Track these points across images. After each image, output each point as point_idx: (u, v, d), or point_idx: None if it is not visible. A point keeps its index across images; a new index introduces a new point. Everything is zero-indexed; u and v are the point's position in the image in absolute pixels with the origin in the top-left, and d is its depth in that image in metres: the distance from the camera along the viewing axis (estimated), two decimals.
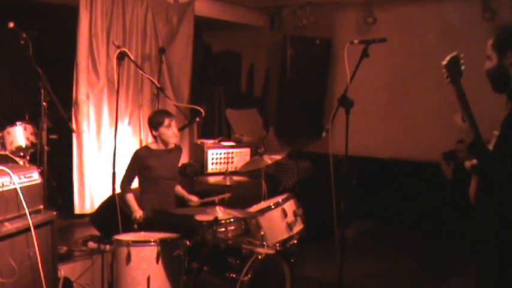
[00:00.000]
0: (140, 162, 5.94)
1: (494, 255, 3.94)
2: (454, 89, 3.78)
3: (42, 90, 6.20)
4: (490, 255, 3.97)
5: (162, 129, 6.01)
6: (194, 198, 6.11)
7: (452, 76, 3.82)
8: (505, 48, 3.73)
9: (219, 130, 10.00)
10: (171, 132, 6.04)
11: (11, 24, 5.76)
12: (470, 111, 3.80)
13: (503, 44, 3.75)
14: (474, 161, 3.80)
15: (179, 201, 6.26)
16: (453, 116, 3.92)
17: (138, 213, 5.69)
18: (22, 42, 5.86)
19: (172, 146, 6.18)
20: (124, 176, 6.01)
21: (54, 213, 4.88)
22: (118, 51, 6.01)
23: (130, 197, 5.88)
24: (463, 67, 3.85)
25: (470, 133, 3.76)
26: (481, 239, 3.99)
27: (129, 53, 6.08)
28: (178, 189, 6.28)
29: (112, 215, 5.74)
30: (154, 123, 6.06)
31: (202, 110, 6.57)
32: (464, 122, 3.80)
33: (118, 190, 5.94)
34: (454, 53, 3.83)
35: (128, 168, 6.02)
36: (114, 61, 6.10)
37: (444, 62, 3.85)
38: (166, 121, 6.02)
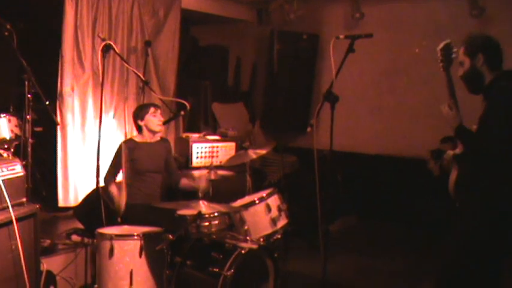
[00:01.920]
0: (124, 155, 5.90)
1: (472, 238, 4.11)
2: (445, 75, 4.03)
3: (27, 82, 6.16)
4: (468, 237, 4.15)
5: (148, 117, 6.02)
6: (202, 175, 5.95)
7: (445, 62, 4.21)
8: (475, 51, 4.10)
9: (205, 124, 9.97)
10: (157, 120, 6.05)
11: None
12: (455, 98, 4.17)
13: (473, 48, 4.11)
14: (457, 151, 4.01)
15: (166, 195, 6.25)
16: (440, 106, 4.20)
17: (120, 204, 5.63)
18: (6, 33, 5.81)
19: (158, 138, 6.16)
20: (108, 169, 5.98)
21: (37, 206, 4.85)
22: (103, 43, 5.97)
23: (113, 189, 5.86)
24: (453, 55, 4.20)
25: (457, 119, 4.10)
26: (458, 223, 4.22)
27: (114, 45, 6.02)
28: (184, 182, 6.26)
29: (96, 208, 5.71)
30: (140, 114, 6.07)
31: (187, 104, 6.55)
32: (451, 110, 4.12)
33: (102, 183, 5.91)
34: (448, 40, 4.23)
35: (112, 161, 6.00)
36: (99, 54, 6.06)
37: (439, 47, 4.22)
38: (152, 109, 6.07)
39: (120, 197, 5.64)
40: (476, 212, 4.09)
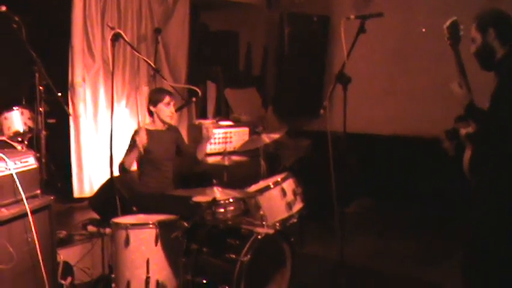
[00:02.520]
0: (137, 142, 5.87)
1: (486, 220, 4.11)
2: (453, 53, 4.01)
3: (37, 75, 6.16)
4: (482, 219, 4.13)
5: (161, 105, 5.98)
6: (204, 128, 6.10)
7: (452, 39, 4.19)
8: (486, 26, 4.09)
9: (218, 110, 9.95)
10: (169, 110, 6.01)
11: (3, 8, 5.70)
12: (466, 76, 4.16)
13: (484, 23, 4.10)
14: (469, 129, 3.99)
15: (179, 182, 6.24)
16: (450, 84, 4.19)
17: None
18: (15, 26, 5.81)
19: (166, 126, 6.13)
20: (123, 157, 5.94)
21: (52, 197, 4.85)
22: (112, 32, 5.94)
23: (130, 177, 5.87)
24: (461, 32, 4.18)
25: (467, 97, 4.08)
26: (474, 204, 4.19)
27: (123, 34, 6.00)
28: (198, 149, 6.26)
29: (111, 198, 5.70)
30: (154, 99, 6.02)
31: (198, 90, 6.52)
32: (461, 88, 4.11)
33: (116, 173, 5.90)
34: (454, 18, 4.22)
35: (127, 149, 5.96)
36: (109, 43, 6.04)
37: (446, 25, 4.22)
38: (167, 98, 6.00)
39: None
40: (486, 193, 4.08)
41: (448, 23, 4.23)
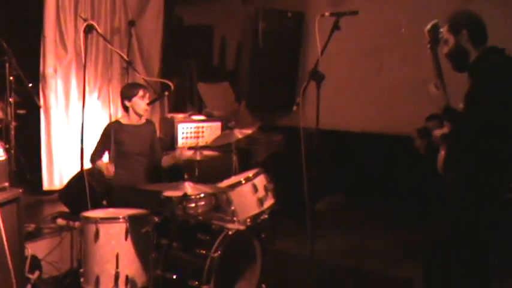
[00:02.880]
0: (111, 136, 5.85)
1: (463, 213, 4.15)
2: (432, 55, 4.04)
3: (8, 65, 6.08)
4: (460, 215, 4.17)
5: (136, 99, 5.94)
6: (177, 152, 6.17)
7: (432, 42, 4.24)
8: (459, 28, 4.12)
9: (191, 104, 9.90)
10: (144, 103, 5.98)
11: None
12: (443, 78, 4.19)
13: (457, 25, 4.13)
14: (444, 130, 4.02)
15: (151, 177, 6.20)
16: (427, 85, 4.21)
17: (110, 171, 5.67)
18: None
19: (144, 120, 6.11)
20: (94, 149, 5.92)
21: (20, 190, 4.79)
22: (85, 24, 5.88)
23: (100, 162, 5.85)
24: (440, 35, 4.22)
25: (444, 99, 4.11)
26: (450, 201, 4.24)
27: (96, 26, 5.94)
28: (165, 159, 6.24)
29: (81, 191, 5.65)
30: (128, 94, 5.98)
31: (171, 84, 6.47)
32: (438, 90, 4.14)
33: (87, 165, 5.85)
34: (435, 21, 4.26)
35: (98, 141, 5.94)
36: (82, 34, 5.97)
37: (427, 28, 4.25)
38: (141, 92, 5.97)
39: (108, 166, 5.70)
40: (464, 190, 4.13)
41: (429, 26, 4.26)
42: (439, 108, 4.11)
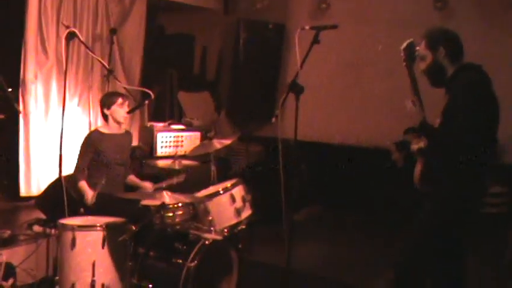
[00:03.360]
0: (93, 147, 5.83)
1: (439, 226, 4.21)
2: (408, 73, 4.08)
3: None
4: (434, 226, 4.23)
5: (115, 107, 5.92)
6: (148, 185, 6.02)
7: (408, 60, 4.27)
8: (437, 45, 4.17)
9: (171, 113, 9.91)
10: (123, 111, 5.97)
11: None
12: (419, 95, 4.22)
13: (435, 41, 4.19)
14: (421, 144, 4.06)
15: (130, 189, 6.19)
16: (404, 101, 4.24)
17: (89, 198, 5.59)
18: None
19: (123, 130, 6.10)
20: (77, 163, 5.87)
21: None
22: (67, 31, 5.88)
23: (83, 184, 5.77)
24: (416, 53, 4.26)
25: (420, 115, 4.13)
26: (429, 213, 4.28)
27: (78, 33, 5.94)
28: (132, 178, 6.19)
29: (58, 198, 5.63)
30: (107, 102, 5.96)
31: (151, 93, 6.48)
32: (415, 106, 4.17)
33: (65, 172, 5.82)
34: (411, 39, 4.29)
35: (80, 154, 5.88)
36: (63, 41, 5.97)
37: (403, 46, 4.29)
38: (120, 100, 5.95)
39: (90, 192, 5.61)
40: (440, 204, 4.18)
41: (404, 44, 4.31)
42: (416, 124, 4.16)
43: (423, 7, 8.46)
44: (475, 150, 3.97)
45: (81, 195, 5.70)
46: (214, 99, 10.45)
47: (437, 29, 4.34)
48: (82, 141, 5.91)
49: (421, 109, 4.16)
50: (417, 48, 4.27)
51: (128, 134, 6.21)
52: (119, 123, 5.99)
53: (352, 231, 8.17)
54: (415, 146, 4.29)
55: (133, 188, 6.11)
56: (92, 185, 5.76)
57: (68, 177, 5.98)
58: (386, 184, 8.19)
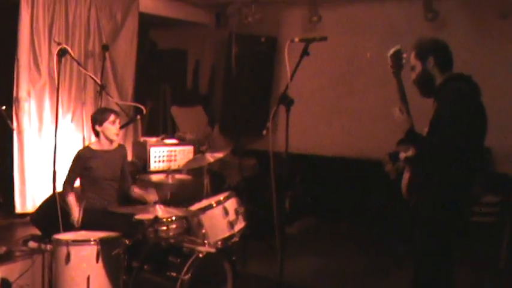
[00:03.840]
0: (82, 163, 5.85)
1: (427, 235, 4.25)
2: (395, 80, 4.11)
3: None
4: (423, 235, 4.27)
5: (107, 124, 5.92)
6: (152, 197, 6.02)
7: (395, 67, 4.32)
8: (426, 55, 4.22)
9: (164, 128, 9.95)
10: (115, 128, 5.97)
11: None
12: (407, 103, 4.27)
13: (424, 51, 4.24)
14: (409, 153, 4.10)
15: (122, 200, 6.20)
16: (391, 109, 4.27)
17: (76, 217, 5.61)
18: None
19: (115, 145, 6.11)
20: (66, 178, 5.91)
21: None
22: (59, 47, 5.93)
23: (71, 199, 5.78)
24: (403, 61, 4.30)
25: (407, 123, 4.16)
26: (414, 222, 4.32)
27: (70, 50, 5.99)
28: (136, 190, 6.18)
29: (53, 214, 5.65)
30: (99, 119, 5.96)
31: (143, 108, 6.52)
32: (402, 114, 4.19)
33: (59, 189, 5.85)
34: (398, 46, 4.38)
35: (69, 169, 5.91)
36: (55, 58, 6.01)
37: (389, 53, 4.33)
38: (112, 117, 5.95)
39: (77, 209, 5.62)
40: (427, 213, 4.21)
41: (391, 51, 4.35)
42: (403, 131, 4.20)
43: (414, 18, 8.53)
44: (460, 159, 4.01)
45: (68, 210, 5.73)
46: (208, 113, 10.50)
47: (427, 39, 4.38)
48: (73, 157, 5.93)
49: (409, 117, 4.20)
50: (404, 55, 4.32)
51: (120, 148, 6.20)
52: (110, 140, 6.00)
53: (346, 243, 8.18)
54: (403, 155, 4.33)
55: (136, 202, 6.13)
56: (86, 200, 5.79)
57: (62, 193, 6.00)
58: (380, 195, 8.22)
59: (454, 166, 4.03)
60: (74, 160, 5.91)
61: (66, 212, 5.76)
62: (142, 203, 5.83)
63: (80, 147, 6.68)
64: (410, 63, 4.32)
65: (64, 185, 5.88)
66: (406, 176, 4.38)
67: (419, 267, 4.33)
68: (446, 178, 4.09)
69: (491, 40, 8.17)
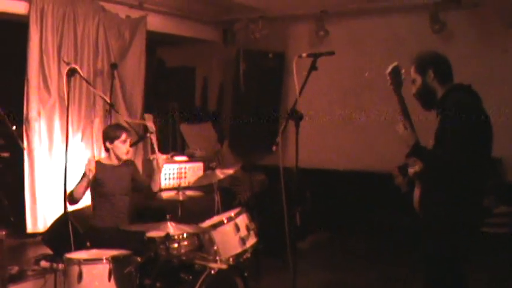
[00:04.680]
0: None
1: (440, 249, 4.21)
2: (396, 97, 4.12)
3: None
4: (436, 249, 4.24)
5: (118, 143, 5.94)
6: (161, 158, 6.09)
7: (395, 84, 4.35)
8: (426, 68, 4.26)
9: (174, 145, 9.96)
10: (125, 148, 5.98)
11: None
12: (410, 118, 4.29)
13: (423, 65, 4.28)
14: (416, 167, 4.09)
15: (134, 217, 6.21)
16: (395, 126, 4.31)
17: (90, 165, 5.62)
18: None
19: (123, 160, 6.11)
20: (74, 186, 5.85)
21: (4, 233, 4.81)
22: (68, 67, 5.96)
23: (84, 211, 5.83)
24: (403, 77, 4.33)
25: (412, 138, 4.20)
26: (426, 237, 4.33)
27: (79, 69, 6.02)
28: (153, 182, 6.19)
29: (64, 233, 5.66)
30: (110, 136, 5.96)
31: (153, 126, 6.53)
32: (406, 130, 4.22)
33: (70, 208, 5.85)
34: (395, 63, 4.35)
35: (80, 180, 5.89)
36: (64, 78, 6.04)
37: (388, 70, 4.36)
38: (124, 136, 5.96)
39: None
40: (439, 227, 4.19)
41: (389, 68, 4.39)
42: (408, 146, 4.20)
43: (421, 30, 8.54)
44: (468, 169, 4.00)
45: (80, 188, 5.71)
46: (217, 130, 10.50)
47: (426, 52, 4.41)
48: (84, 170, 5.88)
49: (413, 131, 4.23)
50: (403, 71, 4.33)
51: (128, 162, 6.18)
52: (119, 159, 6.02)
53: (358, 257, 8.15)
54: (411, 170, 4.33)
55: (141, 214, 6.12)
56: (95, 217, 5.80)
57: (74, 212, 6.02)
58: (391, 208, 8.19)
59: (461, 178, 4.02)
60: (84, 172, 5.83)
61: (78, 231, 5.77)
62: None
63: None
64: (411, 77, 4.34)
65: (71, 189, 5.80)
66: (417, 190, 4.37)
67: (433, 279, 4.31)
68: (454, 190, 4.08)
69: (498, 50, 8.17)
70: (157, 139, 6.44)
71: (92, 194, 5.94)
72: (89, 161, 5.71)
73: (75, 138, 8.11)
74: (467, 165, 3.97)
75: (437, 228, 4.22)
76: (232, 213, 5.65)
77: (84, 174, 5.71)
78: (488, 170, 4.25)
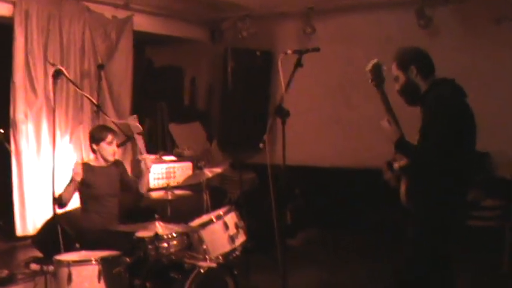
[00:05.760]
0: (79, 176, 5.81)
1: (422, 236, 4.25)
2: (379, 93, 4.11)
3: None
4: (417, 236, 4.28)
5: (103, 145, 5.92)
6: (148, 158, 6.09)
7: (376, 81, 4.34)
8: (408, 64, 4.25)
9: (162, 145, 9.95)
10: (111, 149, 5.96)
11: None
12: (393, 113, 4.31)
13: (405, 61, 4.27)
14: (402, 162, 4.11)
15: (123, 217, 6.20)
16: (380, 122, 4.32)
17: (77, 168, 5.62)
18: None
19: (111, 161, 6.09)
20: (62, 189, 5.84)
21: None
22: (53, 69, 5.93)
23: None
24: (385, 73, 4.33)
25: (396, 133, 4.22)
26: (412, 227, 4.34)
27: (64, 71, 5.97)
28: (141, 182, 6.16)
29: (54, 236, 5.64)
30: (96, 138, 5.95)
31: (140, 126, 6.51)
32: (390, 125, 4.24)
33: (58, 210, 5.83)
34: (375, 60, 4.39)
35: (67, 183, 5.86)
36: (50, 79, 6.02)
37: (367, 68, 4.37)
38: (109, 137, 5.93)
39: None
40: (423, 220, 4.22)
41: (370, 65, 4.38)
42: (393, 142, 4.21)
43: (408, 26, 8.54)
44: (449, 163, 4.02)
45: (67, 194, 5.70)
46: (206, 129, 10.50)
47: (406, 49, 4.39)
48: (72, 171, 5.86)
49: (398, 127, 4.24)
50: (384, 68, 4.33)
51: (116, 163, 6.17)
52: (106, 160, 6.00)
53: (348, 253, 8.16)
54: (396, 165, 4.35)
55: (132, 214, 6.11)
56: (85, 219, 5.79)
57: (63, 214, 6.00)
58: (381, 204, 8.21)
59: (443, 171, 4.03)
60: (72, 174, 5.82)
61: (67, 234, 5.75)
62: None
63: None
64: (392, 74, 4.34)
65: (59, 193, 5.78)
66: (403, 185, 4.38)
67: (408, 272, 4.34)
68: (437, 184, 4.09)
69: (485, 45, 8.19)
70: (144, 139, 6.46)
71: (80, 196, 5.92)
72: (76, 164, 5.70)
73: (64, 140, 8.08)
74: (447, 158, 3.97)
75: (418, 223, 4.25)
76: (221, 212, 5.65)
77: (72, 178, 5.70)
78: (473, 163, 4.26)
